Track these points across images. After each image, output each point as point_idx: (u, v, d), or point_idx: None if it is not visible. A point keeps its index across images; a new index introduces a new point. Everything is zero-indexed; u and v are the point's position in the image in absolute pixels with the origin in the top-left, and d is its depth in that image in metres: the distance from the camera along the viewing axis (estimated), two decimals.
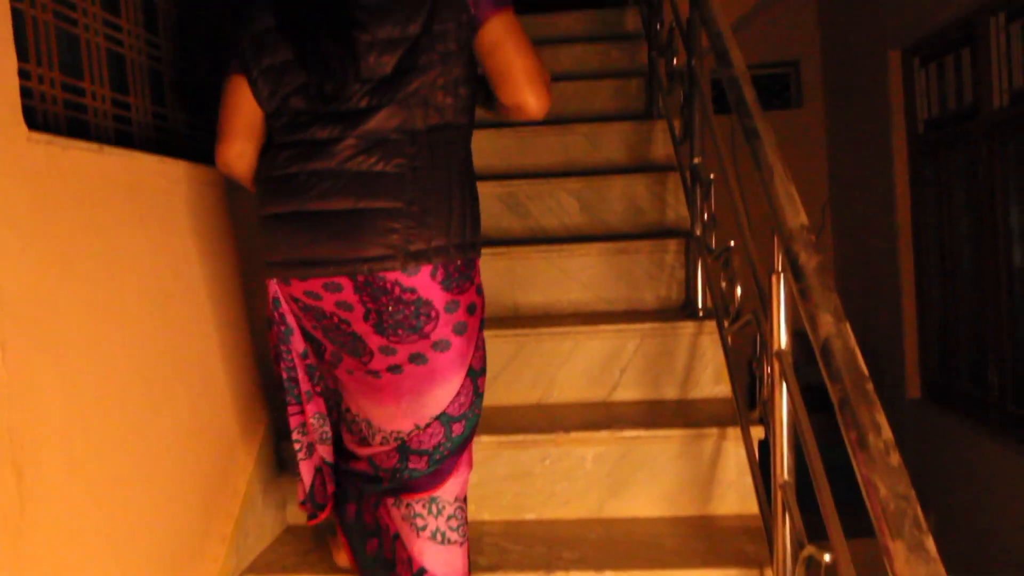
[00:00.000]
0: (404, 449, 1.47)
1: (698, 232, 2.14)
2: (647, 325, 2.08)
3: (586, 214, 2.57)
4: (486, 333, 2.03)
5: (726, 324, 1.85)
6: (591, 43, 3.34)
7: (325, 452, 1.61)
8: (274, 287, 1.47)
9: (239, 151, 1.47)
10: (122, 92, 1.59)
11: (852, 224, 5.04)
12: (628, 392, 2.09)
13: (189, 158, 1.68)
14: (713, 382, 2.06)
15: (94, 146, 1.31)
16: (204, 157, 1.83)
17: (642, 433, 1.83)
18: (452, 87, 1.36)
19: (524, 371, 2.11)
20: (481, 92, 1.45)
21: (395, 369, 1.43)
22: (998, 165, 3.48)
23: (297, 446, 1.58)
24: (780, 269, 1.32)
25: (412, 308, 1.36)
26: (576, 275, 2.34)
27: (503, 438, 1.86)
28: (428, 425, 1.45)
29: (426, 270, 1.34)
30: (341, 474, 1.62)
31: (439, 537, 1.49)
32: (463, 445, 1.50)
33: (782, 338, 1.35)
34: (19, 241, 1.12)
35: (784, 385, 1.33)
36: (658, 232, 2.51)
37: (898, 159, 4.33)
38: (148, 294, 1.46)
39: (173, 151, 1.75)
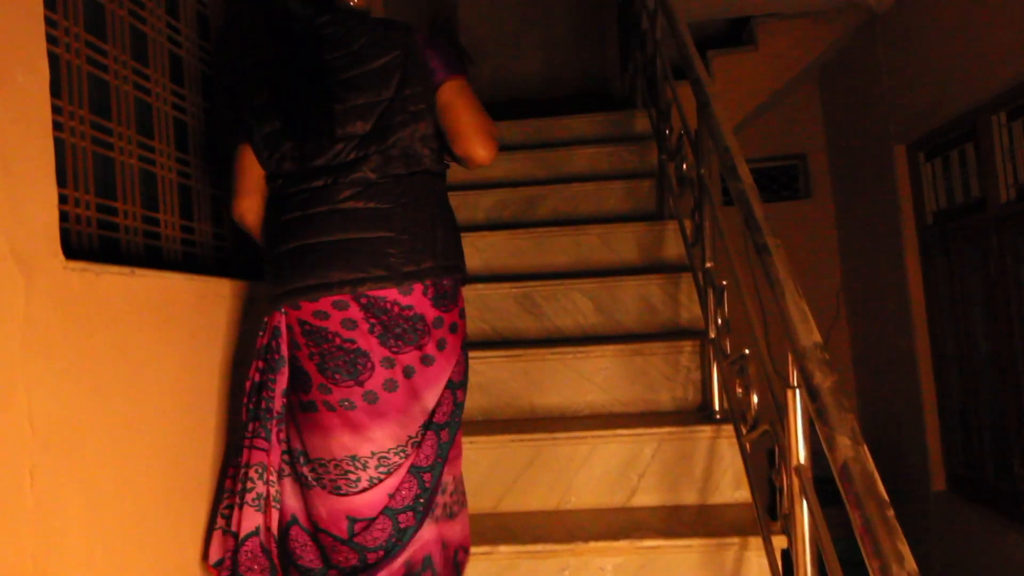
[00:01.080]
0: (416, 469, 1.58)
1: (712, 335, 2.16)
2: (664, 429, 2.08)
3: (600, 314, 2.60)
4: (503, 437, 2.09)
5: (744, 431, 1.85)
6: (603, 145, 3.44)
7: (273, 521, 1.57)
8: (277, 318, 1.58)
9: (248, 205, 1.67)
10: (153, 209, 1.66)
11: (867, 311, 5.04)
12: (647, 497, 2.07)
13: (215, 271, 1.73)
14: (733, 487, 2.04)
15: (126, 269, 1.36)
16: (229, 269, 1.88)
17: (662, 543, 1.81)
18: (427, 140, 1.60)
19: (542, 476, 2.10)
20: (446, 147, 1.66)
21: (391, 385, 1.56)
22: (1009, 257, 3.51)
23: (250, 485, 1.53)
24: (796, 384, 1.34)
25: (411, 323, 1.55)
26: (592, 377, 2.35)
27: (521, 548, 1.84)
28: (422, 436, 1.58)
29: (419, 289, 1.54)
30: None
31: (448, 511, 1.63)
32: (451, 446, 1.63)
33: (800, 453, 1.35)
34: (53, 369, 1.16)
35: (804, 501, 1.33)
36: (673, 333, 2.53)
37: (909, 249, 4.36)
38: (172, 412, 1.49)
39: (199, 264, 1.81)
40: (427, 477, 1.57)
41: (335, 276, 1.51)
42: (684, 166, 2.51)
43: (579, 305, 2.60)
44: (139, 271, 1.40)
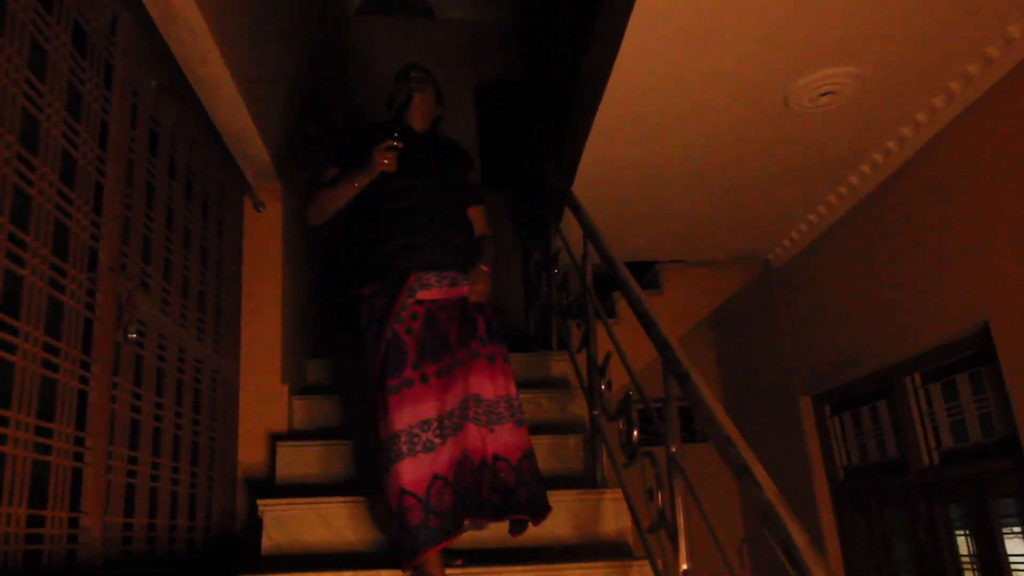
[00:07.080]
0: None
1: None
2: None
3: None
4: None
5: None
6: (521, 389, 3.08)
7: None
8: None
9: None
10: None
11: (775, 568, 4.71)
12: None
13: None
14: None
15: None
16: None
17: None
18: None
19: None
20: None
21: None
22: (940, 526, 3.31)
23: None
24: None
25: None
26: None
27: None
28: None
29: None
30: None
31: None
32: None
33: None
34: None
35: None
36: None
37: (822, 506, 4.15)
38: None
39: None
40: None
41: None
42: (635, 434, 2.17)
43: None
44: None
